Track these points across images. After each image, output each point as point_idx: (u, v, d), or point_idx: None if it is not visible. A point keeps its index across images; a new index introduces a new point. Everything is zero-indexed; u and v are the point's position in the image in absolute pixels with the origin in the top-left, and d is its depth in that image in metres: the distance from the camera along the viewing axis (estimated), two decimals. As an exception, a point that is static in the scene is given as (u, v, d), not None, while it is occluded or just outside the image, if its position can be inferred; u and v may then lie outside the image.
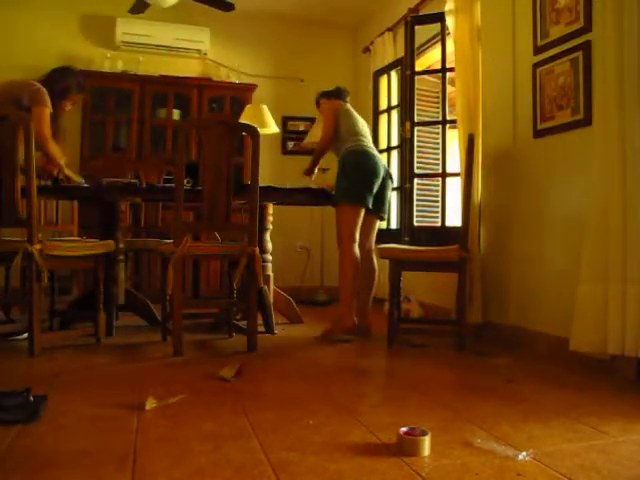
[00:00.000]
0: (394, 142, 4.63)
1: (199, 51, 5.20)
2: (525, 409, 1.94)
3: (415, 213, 4.07)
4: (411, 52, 4.04)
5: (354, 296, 3.23)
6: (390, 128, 4.69)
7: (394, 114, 4.67)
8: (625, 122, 2.33)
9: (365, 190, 3.21)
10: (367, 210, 3.25)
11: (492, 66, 3.40)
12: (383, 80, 4.85)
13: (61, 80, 3.16)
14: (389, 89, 4.73)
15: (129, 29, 4.93)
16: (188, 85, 5.09)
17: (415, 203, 4.07)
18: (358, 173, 3.22)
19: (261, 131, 3.19)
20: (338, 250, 3.26)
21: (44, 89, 3.02)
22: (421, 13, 4.21)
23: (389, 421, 1.76)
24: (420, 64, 4.33)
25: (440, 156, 3.98)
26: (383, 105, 4.83)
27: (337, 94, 3.60)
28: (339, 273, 3.24)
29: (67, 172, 3.18)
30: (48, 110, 3.01)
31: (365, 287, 3.35)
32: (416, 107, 4.06)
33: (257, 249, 2.83)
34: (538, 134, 3.02)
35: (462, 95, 3.49)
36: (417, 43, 4.10)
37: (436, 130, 4.16)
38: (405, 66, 4.11)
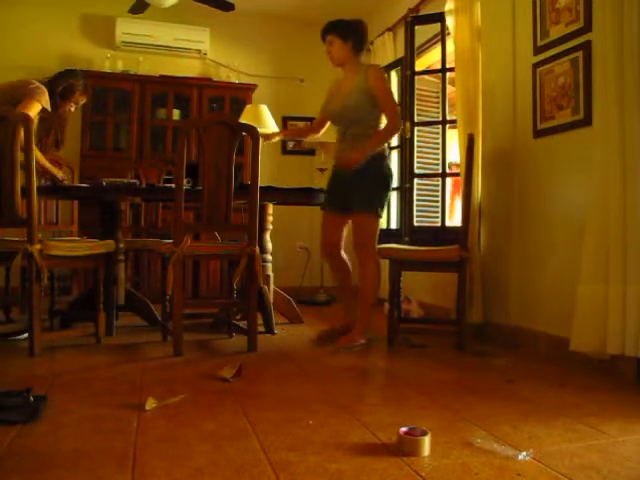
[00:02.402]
0: (394, 142, 4.63)
1: (199, 51, 5.20)
2: (525, 409, 1.94)
3: (415, 213, 4.07)
4: (411, 52, 4.04)
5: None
6: (390, 128, 4.68)
7: (394, 114, 4.67)
8: (625, 122, 2.33)
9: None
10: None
11: (492, 66, 3.40)
12: (383, 80, 4.85)
13: (63, 80, 3.15)
14: (389, 89, 4.73)
15: (129, 29, 4.93)
16: (188, 85, 5.09)
17: (415, 203, 4.07)
18: (390, 185, 3.06)
19: (261, 131, 3.19)
20: (361, 256, 3.03)
21: (43, 88, 3.00)
22: (421, 13, 4.21)
23: (389, 421, 1.76)
24: (420, 64, 4.32)
25: (440, 156, 3.98)
26: (383, 105, 4.82)
27: (363, 48, 3.10)
28: (367, 279, 3.03)
29: (48, 166, 3.10)
30: (37, 105, 2.93)
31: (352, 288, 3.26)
32: (416, 107, 4.06)
33: (257, 249, 2.83)
34: (538, 134, 3.02)
35: (462, 95, 3.49)
36: (417, 43, 4.10)
37: (436, 130, 4.16)
38: (405, 66, 4.11)
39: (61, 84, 3.13)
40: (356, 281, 3.14)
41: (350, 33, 3.05)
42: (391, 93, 3.03)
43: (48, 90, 3.03)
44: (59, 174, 3.15)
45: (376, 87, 2.98)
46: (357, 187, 2.98)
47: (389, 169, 3.07)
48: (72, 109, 3.27)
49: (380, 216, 3.05)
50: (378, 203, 2.99)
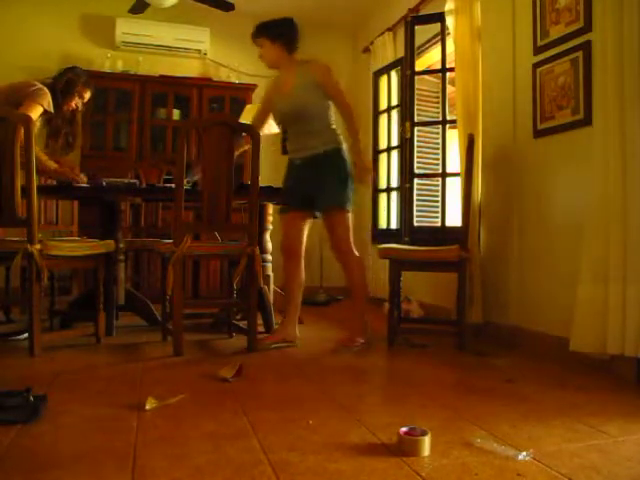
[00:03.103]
0: (394, 142, 4.64)
1: (199, 51, 5.21)
2: (525, 409, 1.94)
3: (415, 213, 4.07)
4: (411, 52, 4.04)
5: None
6: (390, 128, 4.70)
7: (394, 114, 4.68)
8: (625, 122, 2.33)
9: None
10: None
11: (492, 66, 3.40)
12: (383, 80, 4.86)
13: (63, 77, 3.12)
14: (389, 89, 4.73)
15: (129, 29, 4.94)
16: (188, 85, 5.09)
17: (415, 203, 4.08)
18: (351, 178, 2.96)
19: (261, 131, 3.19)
20: (341, 256, 2.99)
21: (45, 89, 2.97)
22: (421, 13, 4.21)
23: (389, 421, 1.76)
24: (420, 64, 4.33)
25: (440, 156, 3.98)
26: (383, 105, 4.83)
27: (294, 46, 3.02)
28: (353, 277, 2.99)
29: (52, 168, 3.00)
30: (38, 107, 2.90)
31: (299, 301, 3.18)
32: (416, 107, 4.06)
33: (257, 249, 2.83)
34: (538, 134, 3.02)
35: (462, 95, 3.49)
36: (417, 43, 4.10)
37: (436, 130, 4.17)
38: (405, 66, 4.11)
39: (61, 81, 3.11)
40: (344, 282, 3.12)
41: (277, 33, 2.99)
42: (338, 83, 2.99)
43: (51, 90, 3.00)
44: (76, 174, 3.05)
45: (328, 81, 2.97)
46: (320, 186, 2.92)
47: (347, 161, 2.96)
48: (79, 106, 3.20)
49: (349, 210, 2.95)
50: (345, 198, 2.92)
